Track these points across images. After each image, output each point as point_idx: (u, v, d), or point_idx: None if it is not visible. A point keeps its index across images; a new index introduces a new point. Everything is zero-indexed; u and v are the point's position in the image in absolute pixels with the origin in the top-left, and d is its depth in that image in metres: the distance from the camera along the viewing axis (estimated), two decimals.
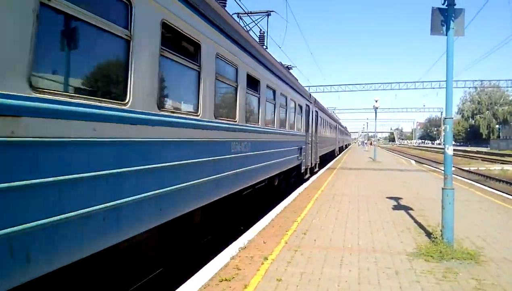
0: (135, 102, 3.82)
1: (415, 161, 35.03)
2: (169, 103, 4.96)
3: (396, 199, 11.21)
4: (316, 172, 19.85)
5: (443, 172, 6.74)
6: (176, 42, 4.95)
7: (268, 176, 9.87)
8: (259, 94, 8.76)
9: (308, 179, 16.56)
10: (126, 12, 3.72)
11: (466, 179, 19.02)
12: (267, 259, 5.61)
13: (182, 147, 4.94)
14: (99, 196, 3.31)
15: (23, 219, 2.58)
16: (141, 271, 4.99)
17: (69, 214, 2.95)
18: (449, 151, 6.38)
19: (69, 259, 3.02)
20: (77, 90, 3.30)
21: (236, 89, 7.13)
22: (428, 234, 7.03)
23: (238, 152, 7.07)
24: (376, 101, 32.04)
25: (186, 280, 4.78)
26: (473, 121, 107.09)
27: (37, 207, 2.69)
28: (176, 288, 4.56)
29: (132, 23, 3.76)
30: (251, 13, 11.96)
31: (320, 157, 22.25)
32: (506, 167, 29.61)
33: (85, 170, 3.14)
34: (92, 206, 3.20)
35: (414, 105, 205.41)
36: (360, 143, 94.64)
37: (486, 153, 52.49)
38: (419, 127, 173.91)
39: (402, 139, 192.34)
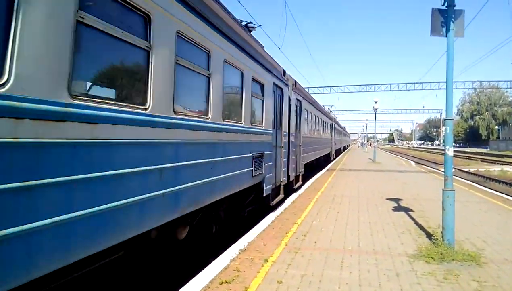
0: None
1: (414, 162, 35.04)
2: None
3: (396, 200, 11.19)
4: (297, 189, 13.37)
5: (442, 173, 6.73)
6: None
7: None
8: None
9: (278, 204, 10.11)
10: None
11: (466, 180, 19.02)
12: (268, 261, 5.59)
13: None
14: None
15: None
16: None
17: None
18: (450, 152, 6.36)
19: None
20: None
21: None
22: (429, 236, 7.01)
23: None
24: (376, 102, 32.07)
25: (186, 282, 4.76)
26: (472, 122, 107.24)
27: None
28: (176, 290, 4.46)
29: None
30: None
31: (307, 163, 16.52)
32: (505, 167, 29.61)
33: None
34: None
35: (414, 107, 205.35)
36: (360, 144, 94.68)
37: (485, 154, 52.50)
38: (418, 128, 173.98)
39: (402, 140, 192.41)
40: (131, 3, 3.67)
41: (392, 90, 69.59)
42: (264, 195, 8.76)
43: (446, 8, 6.31)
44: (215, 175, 5.83)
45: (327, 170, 22.48)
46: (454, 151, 7.26)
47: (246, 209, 8.58)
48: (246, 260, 5.67)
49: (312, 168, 20.60)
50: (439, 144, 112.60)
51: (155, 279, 5.60)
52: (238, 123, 7.09)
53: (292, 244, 6.56)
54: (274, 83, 9.64)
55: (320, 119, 22.55)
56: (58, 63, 2.81)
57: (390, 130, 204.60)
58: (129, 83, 4.05)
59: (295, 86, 13.19)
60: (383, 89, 69.29)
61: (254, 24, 9.68)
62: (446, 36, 6.33)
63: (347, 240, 6.87)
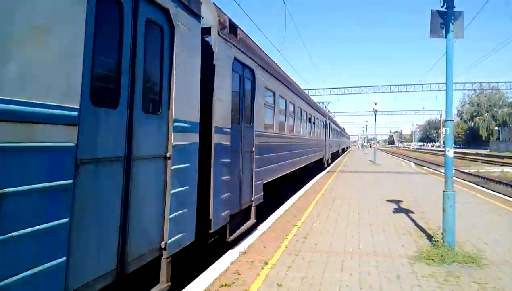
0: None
1: (414, 163, 35.03)
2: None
3: (397, 201, 11.17)
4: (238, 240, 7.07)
5: (442, 174, 6.72)
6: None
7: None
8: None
9: None
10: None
11: (466, 181, 19.01)
12: (268, 264, 5.57)
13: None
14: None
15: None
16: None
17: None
18: (450, 153, 6.35)
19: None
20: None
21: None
22: (429, 237, 6.99)
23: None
24: (376, 104, 32.07)
25: (186, 286, 4.73)
26: (472, 123, 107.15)
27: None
28: None
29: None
30: None
31: (272, 181, 9.62)
32: (506, 169, 29.60)
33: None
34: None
35: (414, 108, 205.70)
36: (360, 146, 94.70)
37: (485, 155, 52.47)
38: (418, 129, 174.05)
39: (402, 141, 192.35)
40: None
41: (392, 92, 69.74)
42: None
43: (446, 10, 6.31)
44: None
45: (327, 171, 22.45)
46: (454, 152, 7.24)
47: None
48: (246, 262, 5.65)
49: (293, 179, 14.23)
50: (439, 146, 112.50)
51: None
52: None
53: (293, 246, 6.54)
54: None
55: (303, 112, 15.72)
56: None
57: (390, 131, 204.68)
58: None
59: (233, 34, 6.45)
60: (383, 90, 69.38)
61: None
62: (446, 37, 6.33)
63: (347, 242, 6.85)
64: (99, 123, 3.14)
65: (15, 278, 2.26)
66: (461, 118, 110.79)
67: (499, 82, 74.13)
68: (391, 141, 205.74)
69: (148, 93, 3.93)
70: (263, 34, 14.64)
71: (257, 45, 8.34)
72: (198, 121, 4.93)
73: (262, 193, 8.32)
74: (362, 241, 6.95)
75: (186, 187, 4.56)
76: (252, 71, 7.72)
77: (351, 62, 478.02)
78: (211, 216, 5.45)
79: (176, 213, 4.29)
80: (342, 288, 4.70)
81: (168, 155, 4.18)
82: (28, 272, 2.36)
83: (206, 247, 5.82)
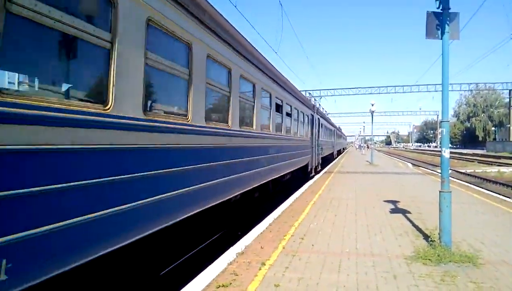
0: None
1: (411, 163, 35.13)
2: None
3: (394, 202, 11.20)
4: None
5: (439, 174, 6.74)
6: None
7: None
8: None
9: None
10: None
11: (463, 181, 19.08)
12: (265, 265, 5.57)
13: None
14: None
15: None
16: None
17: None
18: (446, 154, 6.38)
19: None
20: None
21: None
22: (426, 237, 7.01)
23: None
24: (373, 104, 32.14)
25: (183, 287, 4.73)
26: (469, 124, 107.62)
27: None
28: None
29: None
30: None
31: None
32: (502, 169, 29.71)
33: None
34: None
35: (411, 109, 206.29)
36: (357, 146, 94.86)
37: (482, 155, 52.67)
38: (415, 130, 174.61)
39: (399, 142, 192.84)
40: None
41: (389, 93, 70.09)
42: None
43: (441, 11, 6.33)
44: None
45: (325, 172, 22.47)
46: (451, 153, 7.29)
47: None
48: (244, 263, 5.65)
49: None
50: (436, 146, 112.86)
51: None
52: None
53: (290, 247, 6.54)
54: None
55: (273, 97, 10.93)
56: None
57: (387, 132, 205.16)
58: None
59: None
60: (380, 91, 69.66)
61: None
62: (441, 39, 6.35)
63: (344, 243, 6.86)
64: None
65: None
66: (457, 119, 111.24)
67: (495, 83, 74.71)
68: (388, 142, 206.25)
69: None
70: (259, 34, 14.38)
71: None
72: None
73: None
74: (359, 241, 6.96)
75: None
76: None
77: (348, 63, 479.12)
78: None
79: None
80: (339, 289, 4.71)
81: None
82: None
83: None
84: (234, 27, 7.51)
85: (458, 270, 5.36)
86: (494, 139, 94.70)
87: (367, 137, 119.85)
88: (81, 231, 3.26)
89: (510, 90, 74.43)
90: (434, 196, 7.51)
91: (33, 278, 2.87)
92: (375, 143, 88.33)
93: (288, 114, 13.60)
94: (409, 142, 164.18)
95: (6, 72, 3.14)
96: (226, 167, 6.95)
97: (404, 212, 9.75)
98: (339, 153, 52.29)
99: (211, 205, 6.30)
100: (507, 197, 13.18)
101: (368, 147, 61.95)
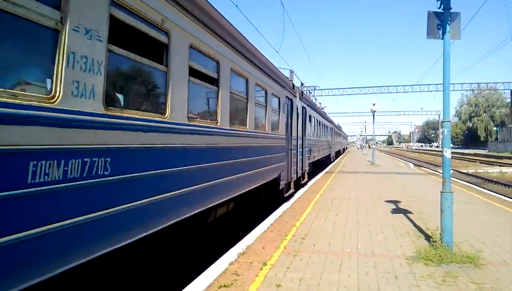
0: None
1: (413, 163, 35.08)
2: None
3: (395, 202, 11.19)
4: None
5: (441, 174, 6.74)
6: None
7: None
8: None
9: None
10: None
11: (465, 181, 19.04)
12: (266, 265, 5.58)
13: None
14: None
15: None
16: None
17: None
18: (448, 154, 6.37)
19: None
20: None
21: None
22: (427, 238, 7.01)
23: None
24: (374, 104, 32.12)
25: (184, 287, 4.74)
26: (470, 124, 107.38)
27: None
28: None
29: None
30: None
31: None
32: (504, 169, 29.63)
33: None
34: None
35: (412, 108, 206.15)
36: (359, 146, 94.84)
37: (484, 155, 52.53)
38: (417, 130, 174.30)
39: (400, 142, 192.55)
40: None
41: (390, 92, 69.98)
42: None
43: (442, 11, 6.33)
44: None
45: (326, 172, 22.47)
46: (453, 153, 7.29)
47: None
48: (245, 263, 5.66)
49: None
50: (437, 146, 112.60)
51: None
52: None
53: (291, 247, 6.55)
54: None
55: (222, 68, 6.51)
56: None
57: (389, 132, 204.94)
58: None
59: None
60: (381, 91, 69.58)
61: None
62: (443, 38, 6.35)
63: (345, 243, 6.86)
64: None
65: None
66: (459, 119, 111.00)
67: (497, 82, 74.61)
68: (389, 142, 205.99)
69: None
70: (261, 35, 14.49)
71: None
72: None
73: None
74: (360, 241, 6.96)
75: None
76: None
77: (349, 63, 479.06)
78: None
79: None
80: (340, 289, 4.71)
81: None
82: None
83: None
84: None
85: (459, 271, 5.35)
86: (496, 139, 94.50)
87: (368, 137, 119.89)
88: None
89: (511, 90, 74.31)
90: (436, 196, 7.52)
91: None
92: (377, 143, 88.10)
93: (259, 102, 9.00)
94: (410, 142, 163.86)
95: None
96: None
97: (405, 212, 9.75)
98: (338, 154, 45.77)
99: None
100: (509, 197, 13.15)
101: (369, 147, 61.85)
